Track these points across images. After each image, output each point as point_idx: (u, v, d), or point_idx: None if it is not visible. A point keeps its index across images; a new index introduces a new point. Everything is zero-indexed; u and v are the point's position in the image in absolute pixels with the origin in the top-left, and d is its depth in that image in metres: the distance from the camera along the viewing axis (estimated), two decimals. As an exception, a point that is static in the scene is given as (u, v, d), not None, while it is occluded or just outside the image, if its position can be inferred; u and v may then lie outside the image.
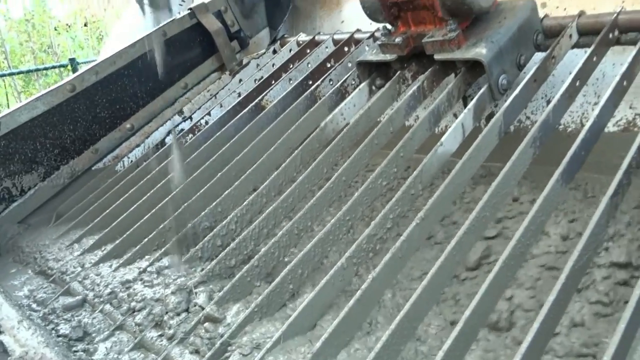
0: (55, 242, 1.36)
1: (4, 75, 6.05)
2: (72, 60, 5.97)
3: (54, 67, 6.24)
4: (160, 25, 1.70)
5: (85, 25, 12.22)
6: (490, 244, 0.97)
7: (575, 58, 1.15)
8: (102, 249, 1.25)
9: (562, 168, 0.84)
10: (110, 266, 1.16)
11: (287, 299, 0.92)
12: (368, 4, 1.24)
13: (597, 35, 1.11)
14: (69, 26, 11.86)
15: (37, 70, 6.47)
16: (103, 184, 1.53)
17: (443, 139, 1.02)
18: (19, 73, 5.76)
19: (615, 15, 1.12)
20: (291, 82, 1.57)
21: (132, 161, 1.60)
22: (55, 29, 10.11)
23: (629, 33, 1.13)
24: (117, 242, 1.22)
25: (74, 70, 6.01)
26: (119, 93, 1.64)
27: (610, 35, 1.12)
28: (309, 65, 1.63)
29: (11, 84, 8.26)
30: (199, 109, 1.70)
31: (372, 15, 1.27)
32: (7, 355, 0.54)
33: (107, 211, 1.36)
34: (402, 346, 0.73)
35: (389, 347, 0.71)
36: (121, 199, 1.37)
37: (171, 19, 1.73)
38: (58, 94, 1.51)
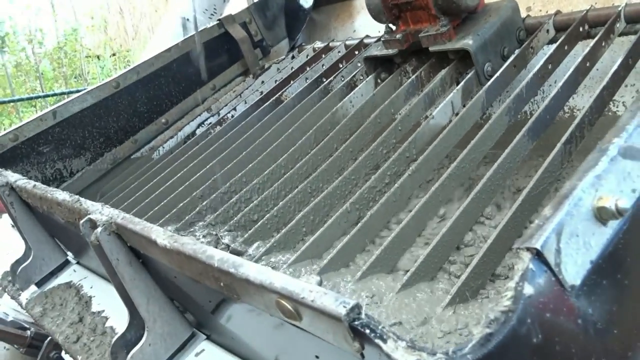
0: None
1: (38, 97, 6.41)
2: (102, 83, 6.31)
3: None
4: (192, 33, 1.93)
5: (113, 55, 12.76)
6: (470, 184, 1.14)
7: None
8: (144, 216, 1.44)
9: (528, 126, 1.02)
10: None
11: (300, 239, 1.09)
12: (372, 5, 1.44)
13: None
14: (98, 57, 12.38)
15: (70, 92, 6.82)
16: (141, 168, 1.73)
17: (434, 112, 1.20)
18: (52, 95, 6.11)
19: (585, 12, 1.31)
20: (307, 80, 1.78)
21: (166, 150, 1.81)
22: (87, 57, 10.57)
23: (598, 27, 1.31)
24: (156, 208, 1.41)
25: (104, 93, 6.36)
26: (156, 91, 1.86)
27: (581, 29, 1.30)
28: (323, 66, 1.83)
29: (42, 107, 8.69)
30: (225, 105, 1.91)
31: (376, 16, 1.47)
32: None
33: (146, 187, 1.55)
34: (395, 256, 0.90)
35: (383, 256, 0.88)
36: (158, 177, 1.57)
37: (202, 28, 1.96)
38: (105, 89, 1.73)
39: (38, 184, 1.01)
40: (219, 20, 2.00)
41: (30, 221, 1.23)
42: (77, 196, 0.85)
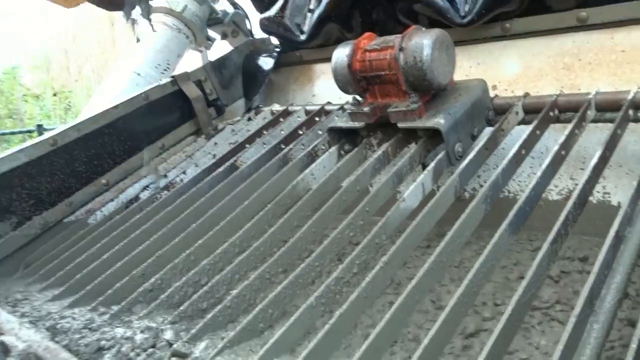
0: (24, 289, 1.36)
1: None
2: (39, 126, 6.00)
3: (20, 132, 6.24)
4: (145, 89, 1.80)
5: (55, 95, 12.31)
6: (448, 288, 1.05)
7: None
8: (73, 296, 1.26)
9: (509, 220, 0.95)
10: (80, 310, 1.17)
11: (257, 336, 0.96)
12: (340, 76, 1.37)
13: (540, 113, 1.26)
14: (38, 96, 11.91)
15: (3, 134, 6.45)
16: (74, 235, 1.55)
17: (405, 195, 1.12)
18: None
19: (555, 97, 1.29)
20: (265, 145, 1.68)
21: (105, 215, 1.64)
22: (24, 95, 10.15)
23: (567, 112, 1.29)
24: (89, 287, 1.24)
25: (41, 136, 6.03)
26: (98, 150, 1.70)
27: (551, 114, 1.28)
28: (282, 132, 1.74)
29: (-28, 148, 8.15)
30: (174, 168, 1.78)
31: (344, 87, 1.40)
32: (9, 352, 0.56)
33: (79, 259, 1.38)
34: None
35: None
36: (93, 248, 1.40)
37: (154, 85, 1.84)
38: (40, 147, 1.56)
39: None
40: (172, 77, 1.89)
41: None
42: (-12, 302, 0.69)
